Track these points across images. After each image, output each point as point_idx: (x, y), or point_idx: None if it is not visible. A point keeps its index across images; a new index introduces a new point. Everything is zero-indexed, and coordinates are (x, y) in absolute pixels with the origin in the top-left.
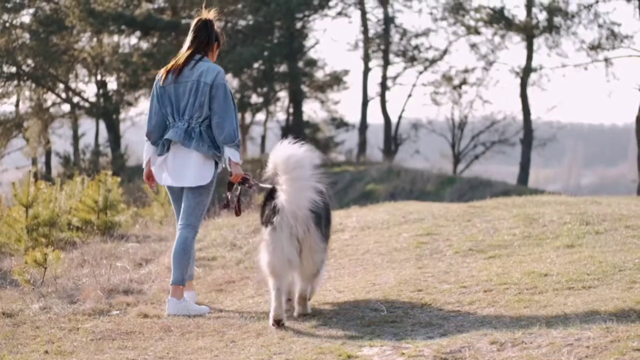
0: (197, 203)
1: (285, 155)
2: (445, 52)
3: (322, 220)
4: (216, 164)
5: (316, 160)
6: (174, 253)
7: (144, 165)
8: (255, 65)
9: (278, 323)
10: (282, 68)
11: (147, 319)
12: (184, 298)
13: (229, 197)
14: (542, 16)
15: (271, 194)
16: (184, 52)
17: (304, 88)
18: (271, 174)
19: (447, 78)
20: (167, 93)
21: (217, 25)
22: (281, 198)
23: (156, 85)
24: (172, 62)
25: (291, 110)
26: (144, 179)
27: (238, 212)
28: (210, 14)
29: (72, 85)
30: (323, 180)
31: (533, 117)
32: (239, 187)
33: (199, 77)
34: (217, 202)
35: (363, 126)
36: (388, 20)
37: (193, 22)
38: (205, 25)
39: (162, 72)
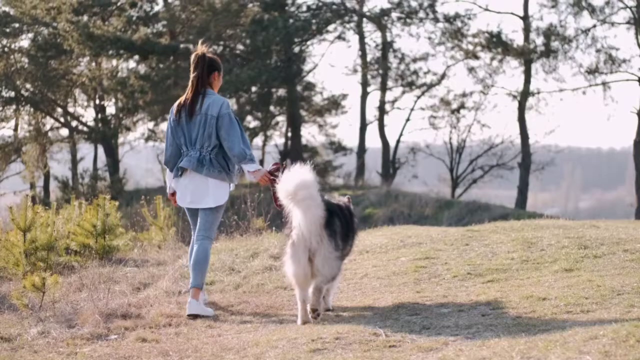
0: (214, 219)
1: (290, 182)
2: (443, 76)
3: (337, 232)
4: (229, 185)
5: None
6: (195, 261)
7: (167, 189)
8: (254, 89)
9: (306, 323)
10: (280, 92)
11: (146, 343)
12: (201, 299)
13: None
14: (539, 41)
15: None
16: (189, 89)
17: (302, 112)
18: (285, 201)
19: (445, 102)
20: (180, 126)
21: (212, 51)
22: (297, 217)
23: (170, 119)
24: (181, 99)
25: (289, 134)
26: (169, 198)
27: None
28: (202, 48)
29: (71, 109)
30: (346, 196)
31: (531, 141)
32: (273, 188)
33: (206, 110)
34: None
35: (361, 150)
36: (386, 45)
37: (191, 59)
38: (200, 61)
39: (174, 107)
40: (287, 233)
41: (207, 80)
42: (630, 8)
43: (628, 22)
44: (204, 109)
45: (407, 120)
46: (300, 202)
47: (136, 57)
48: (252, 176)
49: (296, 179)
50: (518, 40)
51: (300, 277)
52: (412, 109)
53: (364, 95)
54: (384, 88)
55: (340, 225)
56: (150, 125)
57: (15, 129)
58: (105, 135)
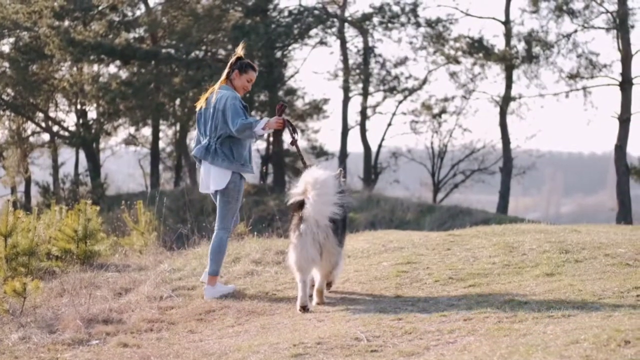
0: (227, 210)
1: (315, 176)
2: (424, 81)
3: (338, 229)
4: (234, 174)
5: (338, 184)
6: (212, 249)
7: None
8: None
9: (304, 308)
10: (262, 97)
11: (127, 348)
12: (216, 284)
13: (293, 137)
14: (520, 46)
15: (299, 207)
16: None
17: (284, 117)
18: (301, 191)
19: (427, 107)
20: (202, 117)
21: (241, 54)
22: (307, 210)
23: (198, 112)
24: (207, 92)
25: (271, 139)
26: None
27: (293, 142)
28: (239, 52)
29: (52, 114)
30: (344, 198)
31: (512, 145)
32: (290, 128)
33: (215, 104)
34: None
35: (343, 155)
36: (367, 50)
37: None
38: (231, 62)
39: (201, 99)
40: (294, 227)
41: (228, 77)
42: (610, 13)
43: (608, 27)
44: (214, 103)
45: (389, 125)
46: (318, 195)
47: (117, 62)
48: (267, 130)
49: (321, 176)
50: (499, 45)
51: (303, 265)
52: (393, 114)
53: (346, 100)
54: (365, 93)
55: (342, 224)
56: (132, 130)
57: None
58: (86, 140)
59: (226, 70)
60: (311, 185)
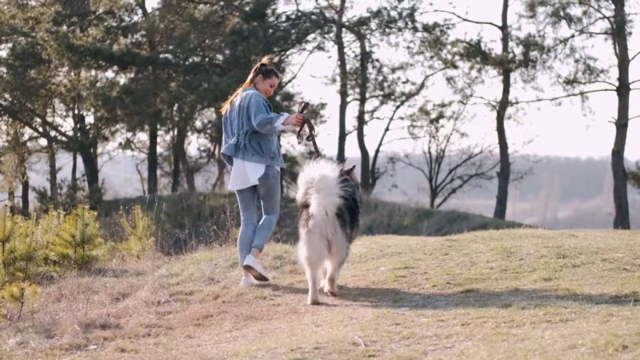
0: (274, 202)
1: (315, 172)
2: (422, 86)
3: (346, 224)
4: (268, 167)
5: (339, 176)
6: (259, 227)
7: None
8: None
9: (315, 303)
10: None
11: (125, 353)
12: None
13: (311, 133)
14: (518, 50)
15: (307, 205)
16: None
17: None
18: (305, 190)
19: (424, 112)
20: (228, 119)
21: (268, 59)
22: (313, 206)
23: (224, 116)
24: (232, 96)
25: None
26: None
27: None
28: (265, 59)
29: (49, 119)
30: (354, 193)
31: (510, 150)
32: (305, 126)
33: (241, 102)
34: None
35: (340, 160)
36: (365, 55)
37: None
38: (256, 67)
39: (226, 104)
40: (303, 223)
41: (252, 81)
42: (607, 18)
43: (606, 32)
44: (240, 101)
45: (386, 129)
46: (320, 191)
47: (115, 67)
48: (287, 125)
49: (320, 172)
50: (497, 49)
51: (313, 260)
52: (391, 119)
53: (343, 104)
54: (363, 97)
55: (351, 218)
56: (129, 135)
57: None
58: (84, 144)
59: (251, 75)
60: (313, 182)
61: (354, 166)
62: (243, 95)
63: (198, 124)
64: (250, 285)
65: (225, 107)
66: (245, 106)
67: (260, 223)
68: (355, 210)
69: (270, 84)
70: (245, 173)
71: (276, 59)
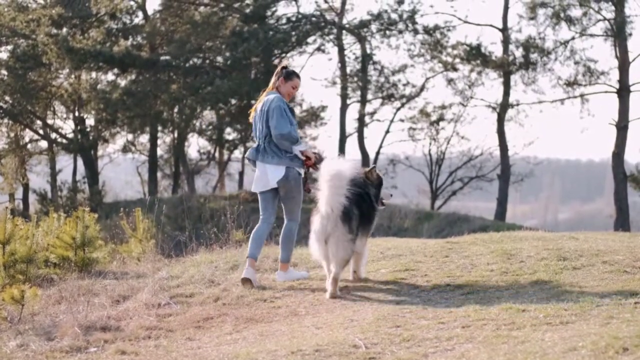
0: (294, 203)
1: (329, 167)
2: (422, 88)
3: (352, 218)
4: (289, 169)
5: (355, 173)
6: (282, 239)
7: None
8: (233, 100)
9: (333, 297)
10: None
11: (125, 355)
12: (288, 270)
13: (307, 180)
14: (518, 53)
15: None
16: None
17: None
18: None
19: (425, 114)
20: (254, 124)
21: (287, 64)
22: (320, 203)
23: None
24: (257, 102)
25: None
26: None
27: (307, 189)
28: (283, 63)
29: (50, 121)
30: (368, 188)
31: (510, 152)
32: (308, 171)
33: (263, 106)
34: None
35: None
36: (365, 57)
37: None
38: (277, 70)
39: (252, 110)
40: (312, 220)
41: (274, 85)
42: (607, 20)
43: (606, 34)
44: (261, 106)
45: (387, 132)
46: (329, 187)
47: (115, 69)
48: (302, 155)
49: (335, 167)
50: (497, 52)
51: (316, 256)
52: (391, 121)
53: (344, 106)
54: (363, 100)
55: (359, 212)
56: (130, 137)
57: None
58: (84, 147)
59: (273, 79)
60: (325, 176)
61: (374, 166)
62: (265, 99)
63: (198, 126)
64: (284, 281)
65: (252, 114)
66: (265, 110)
67: (282, 234)
68: (369, 210)
69: (292, 85)
70: (266, 175)
71: (276, 61)
